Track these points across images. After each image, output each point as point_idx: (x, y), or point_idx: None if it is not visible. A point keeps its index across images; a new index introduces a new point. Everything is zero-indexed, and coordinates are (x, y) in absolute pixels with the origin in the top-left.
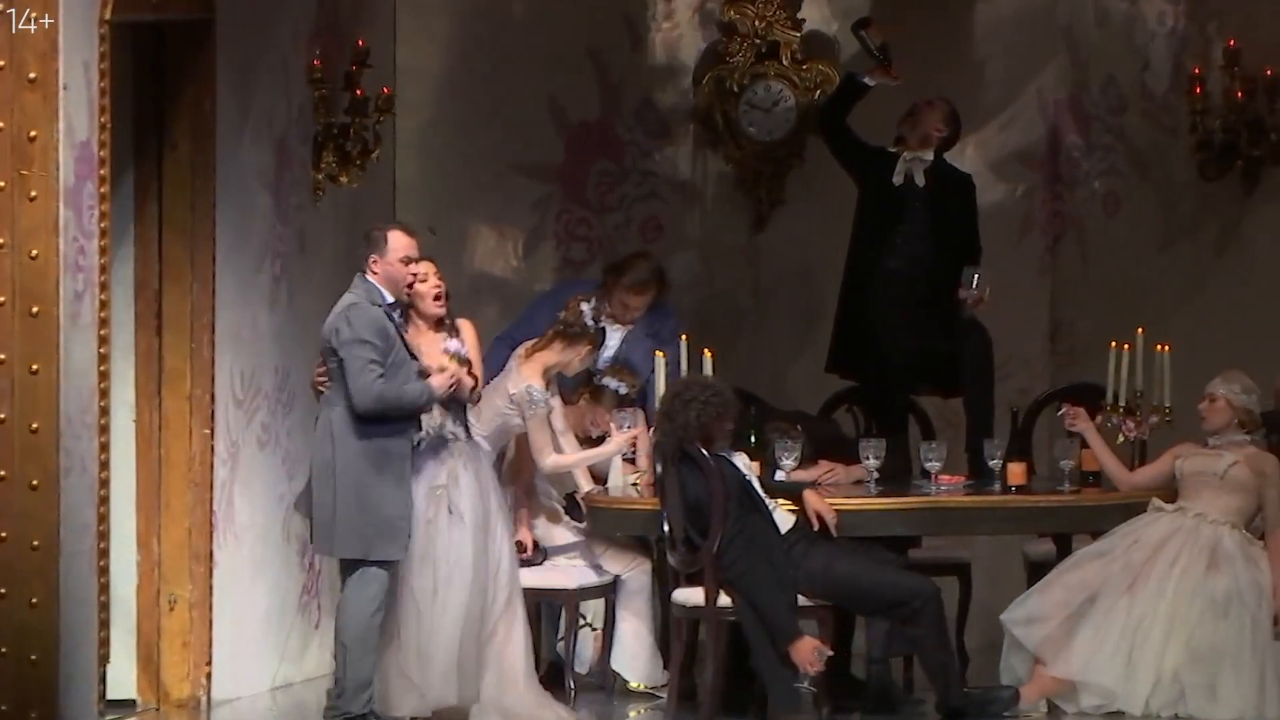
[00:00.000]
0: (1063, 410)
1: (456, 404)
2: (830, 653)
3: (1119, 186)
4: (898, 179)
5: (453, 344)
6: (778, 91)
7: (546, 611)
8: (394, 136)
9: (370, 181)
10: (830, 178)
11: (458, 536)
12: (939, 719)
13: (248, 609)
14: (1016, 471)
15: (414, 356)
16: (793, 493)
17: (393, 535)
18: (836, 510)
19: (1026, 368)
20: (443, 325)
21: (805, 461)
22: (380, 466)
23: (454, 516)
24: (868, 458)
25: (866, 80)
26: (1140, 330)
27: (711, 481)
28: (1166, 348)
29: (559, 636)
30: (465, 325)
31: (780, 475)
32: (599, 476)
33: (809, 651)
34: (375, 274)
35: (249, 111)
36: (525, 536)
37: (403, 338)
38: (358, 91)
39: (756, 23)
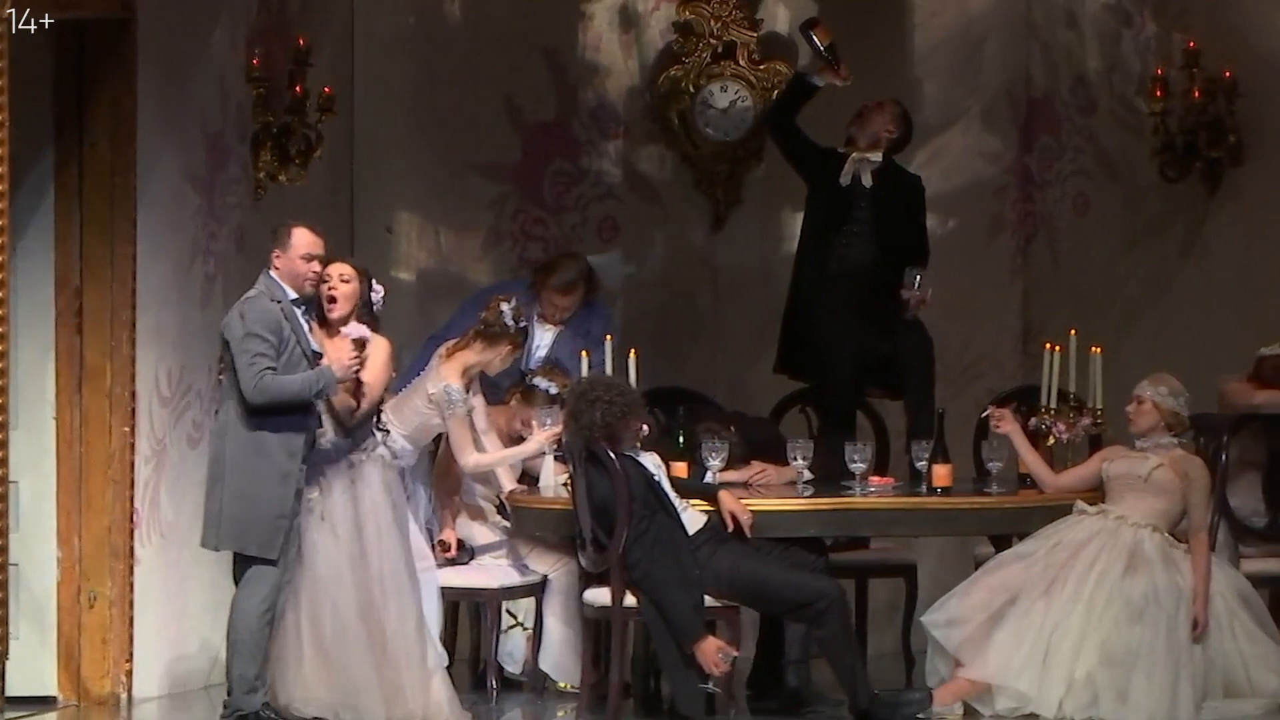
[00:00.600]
0: (988, 412)
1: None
2: (735, 654)
3: (1088, 187)
4: (844, 180)
5: (354, 328)
6: (734, 92)
7: (483, 611)
8: (352, 136)
9: (324, 181)
10: (788, 178)
11: (329, 547)
12: None
13: (175, 608)
14: (941, 473)
15: (318, 355)
16: (708, 494)
17: (271, 534)
18: (752, 511)
19: (998, 369)
20: (338, 330)
21: (739, 462)
22: (265, 463)
23: (325, 527)
24: (795, 458)
25: (815, 81)
26: (1073, 332)
27: (616, 482)
28: (1098, 349)
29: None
30: (380, 343)
31: (710, 476)
32: (535, 476)
33: (712, 652)
34: (278, 269)
35: (177, 109)
36: (449, 536)
37: (300, 335)
38: (297, 90)
39: (713, 23)
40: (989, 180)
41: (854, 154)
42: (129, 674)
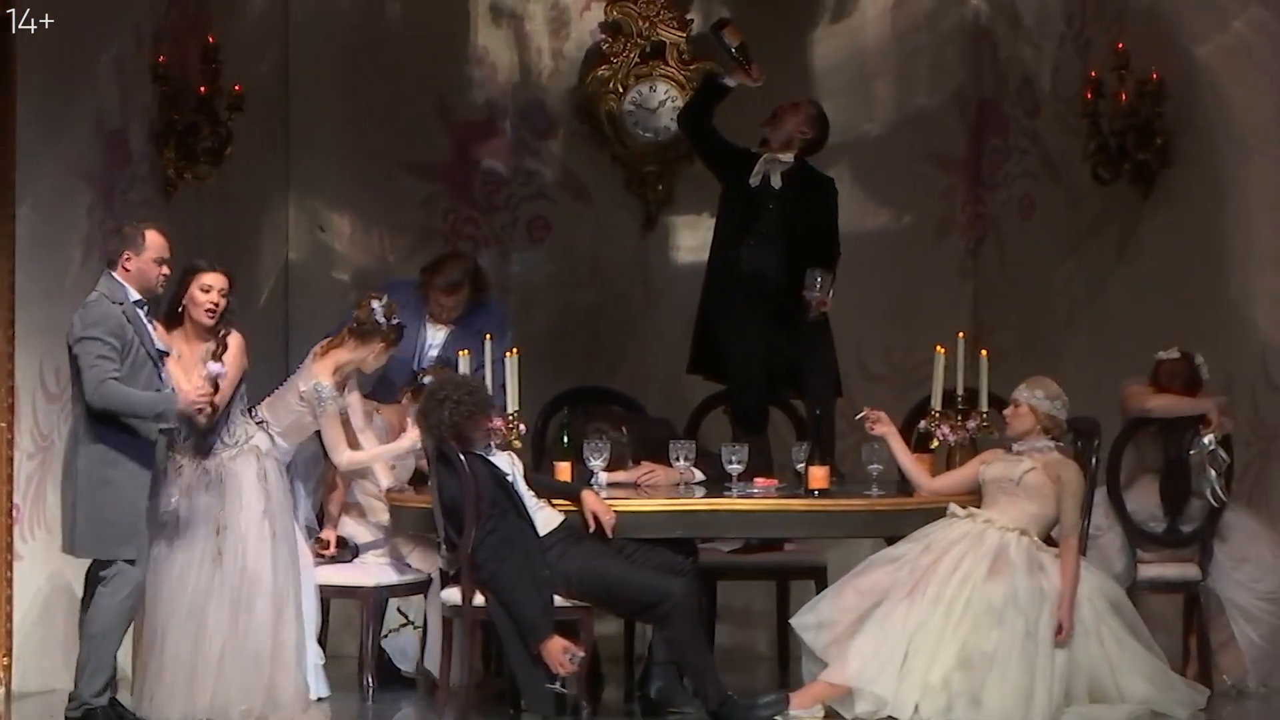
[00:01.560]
0: (863, 413)
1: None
2: (582, 654)
3: (1034, 190)
4: (754, 180)
5: (214, 367)
6: (664, 92)
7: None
8: (287, 136)
9: (254, 179)
10: None
11: (181, 557)
12: None
13: (61, 603)
14: (818, 475)
15: (163, 354)
16: (570, 494)
17: (127, 537)
18: (615, 512)
19: (945, 370)
20: (211, 336)
21: (625, 462)
22: (118, 468)
23: (190, 527)
24: (678, 459)
25: (726, 81)
26: (961, 335)
27: (464, 482)
28: (985, 352)
29: (383, 634)
30: (234, 339)
31: (600, 478)
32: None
33: (558, 652)
34: (127, 271)
35: (64, 107)
36: (329, 534)
37: (144, 337)
38: (201, 89)
39: (641, 23)
40: (937, 182)
41: (766, 155)
42: (8, 669)
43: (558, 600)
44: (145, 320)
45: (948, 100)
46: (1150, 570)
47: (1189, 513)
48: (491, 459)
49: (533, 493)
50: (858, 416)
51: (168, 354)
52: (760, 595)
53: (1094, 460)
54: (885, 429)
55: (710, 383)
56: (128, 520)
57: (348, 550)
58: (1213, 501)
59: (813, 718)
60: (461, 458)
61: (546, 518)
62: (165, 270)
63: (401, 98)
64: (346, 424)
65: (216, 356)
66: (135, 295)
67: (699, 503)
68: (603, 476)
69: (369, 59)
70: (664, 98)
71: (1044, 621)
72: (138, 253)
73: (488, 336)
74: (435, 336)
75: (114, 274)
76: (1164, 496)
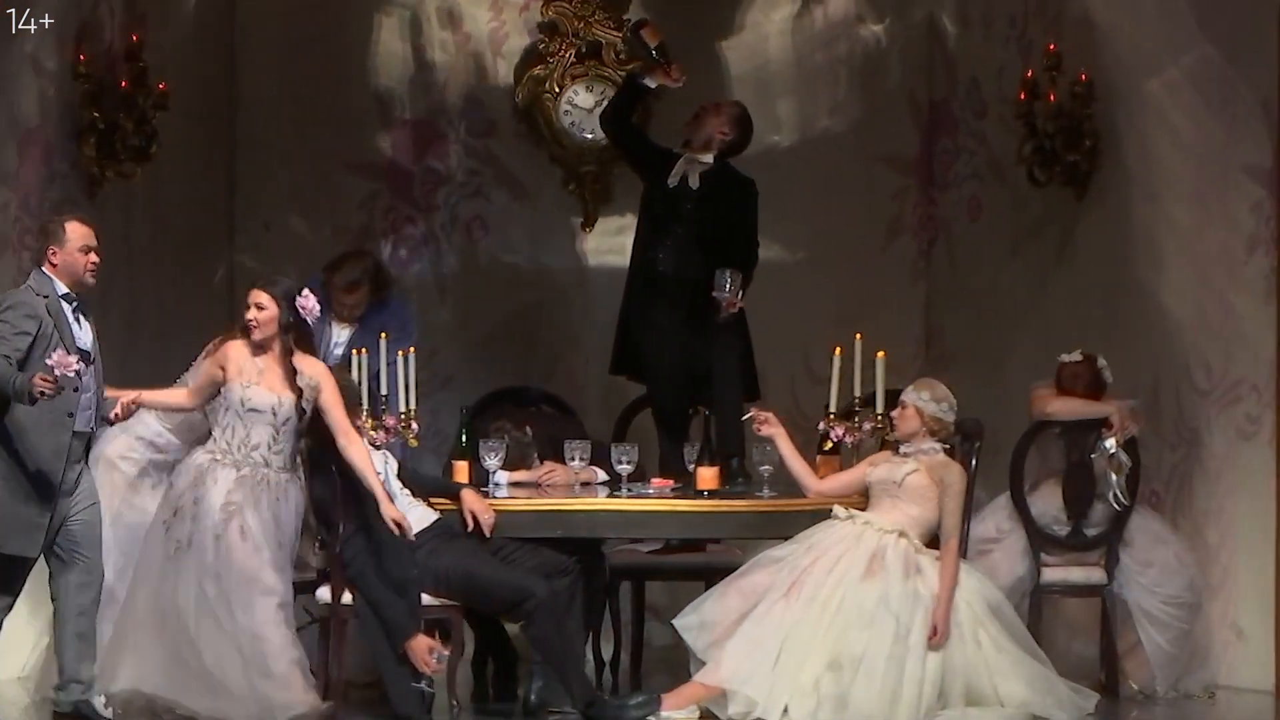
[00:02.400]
0: (750, 414)
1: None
2: (446, 653)
3: (980, 191)
4: (672, 181)
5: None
6: (599, 92)
7: None
8: (233, 134)
9: (198, 178)
10: None
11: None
12: None
13: None
14: (707, 476)
15: (83, 353)
16: (450, 492)
17: (27, 533)
18: (495, 511)
19: (894, 372)
20: (262, 351)
21: (528, 461)
22: (17, 464)
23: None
24: (574, 459)
25: (646, 82)
26: (859, 336)
27: (331, 481)
28: (883, 354)
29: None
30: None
31: (500, 476)
32: None
33: (423, 651)
34: (54, 265)
35: None
36: None
37: (65, 330)
38: (123, 84)
39: (577, 23)
40: (891, 183)
41: (686, 155)
42: None
43: (427, 599)
44: (72, 315)
45: (901, 101)
46: (1054, 574)
47: (1093, 516)
48: None
49: (409, 491)
50: (744, 417)
51: (88, 353)
52: (689, 595)
53: (974, 462)
54: (773, 430)
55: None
56: (30, 518)
57: None
58: (1115, 505)
59: (688, 718)
60: (328, 456)
61: (421, 515)
62: (93, 258)
63: (344, 97)
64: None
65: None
66: (63, 289)
67: (574, 502)
68: (503, 475)
69: (313, 58)
70: (600, 98)
71: (917, 624)
72: (61, 245)
73: (383, 335)
74: (340, 335)
75: (43, 269)
76: (1067, 500)
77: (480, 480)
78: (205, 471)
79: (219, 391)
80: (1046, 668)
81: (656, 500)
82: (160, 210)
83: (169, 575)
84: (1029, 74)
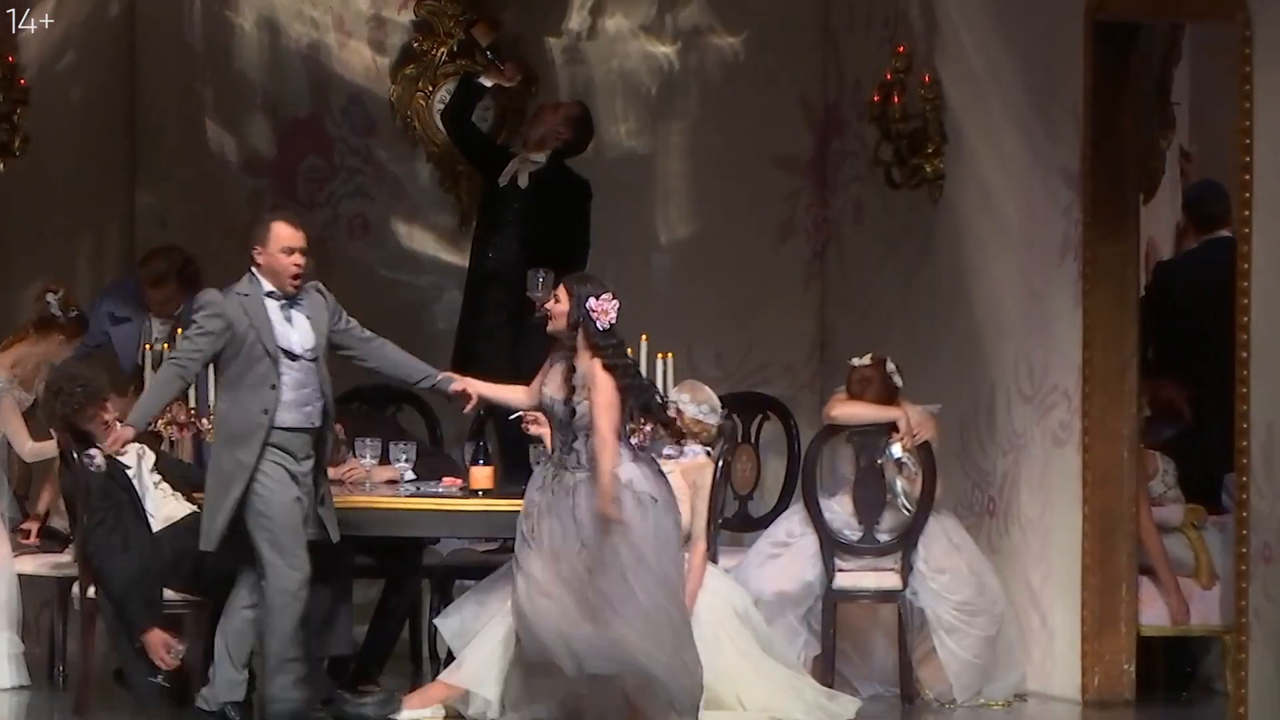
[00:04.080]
0: (518, 413)
1: None
2: (181, 648)
3: (862, 193)
4: (503, 180)
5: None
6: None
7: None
8: (133, 130)
9: (97, 175)
10: None
11: None
12: None
13: None
14: (480, 476)
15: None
16: None
17: None
18: None
19: (788, 374)
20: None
21: (337, 458)
22: None
23: None
24: (365, 457)
25: (482, 81)
26: (644, 336)
27: (75, 474)
28: (668, 355)
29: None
30: None
31: None
32: None
33: (159, 645)
34: (259, 265)
35: None
36: (30, 523)
37: (264, 333)
38: None
39: (449, 22)
40: (781, 185)
41: (520, 155)
42: None
43: (170, 594)
44: (280, 315)
45: (795, 103)
46: (846, 579)
47: (887, 522)
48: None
49: (169, 484)
50: (511, 416)
51: (293, 352)
52: None
53: (720, 463)
54: (541, 430)
55: None
56: None
57: (56, 540)
58: (902, 511)
59: (434, 717)
60: (72, 449)
61: (174, 509)
62: (297, 260)
63: (234, 94)
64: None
65: None
66: (269, 288)
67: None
68: None
69: (203, 55)
70: None
71: None
72: (265, 245)
73: (179, 331)
74: (159, 330)
75: (253, 269)
76: (857, 505)
77: None
78: None
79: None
80: (797, 674)
81: (422, 499)
82: (46, 207)
83: None
84: (888, 76)
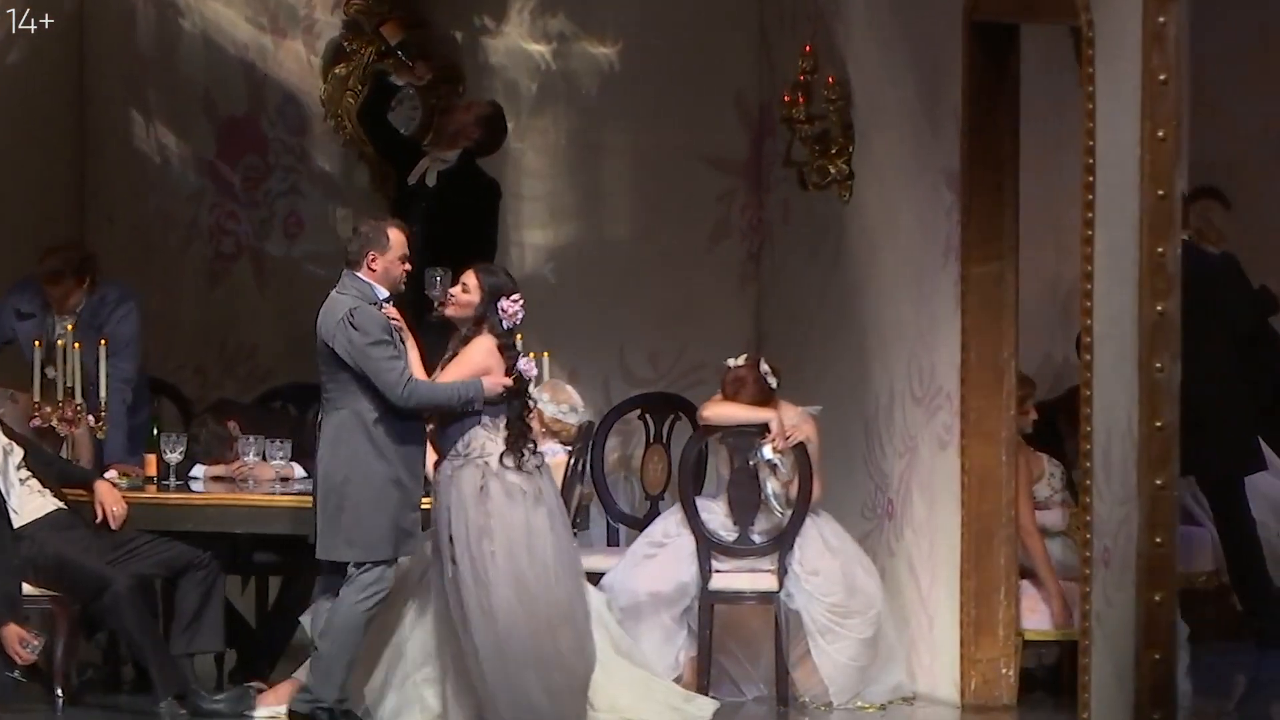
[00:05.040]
0: None
1: None
2: (37, 643)
3: (790, 194)
4: (412, 179)
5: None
6: (406, 90)
7: None
8: (82, 127)
9: (41, 172)
10: None
11: None
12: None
13: None
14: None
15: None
16: (86, 482)
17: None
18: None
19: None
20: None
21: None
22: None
23: None
24: (248, 455)
25: (394, 80)
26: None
27: None
28: (546, 354)
29: None
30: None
31: (198, 470)
32: None
33: (13, 640)
34: (374, 271)
35: None
36: None
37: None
38: None
39: (375, 21)
40: (714, 184)
41: (433, 153)
42: None
43: (30, 589)
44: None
45: (729, 102)
46: (722, 580)
47: (762, 523)
48: None
49: (37, 479)
50: None
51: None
52: None
53: (573, 462)
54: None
55: None
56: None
57: None
58: (776, 513)
59: (281, 715)
60: None
61: (40, 505)
62: (406, 267)
63: (176, 92)
64: None
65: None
66: (384, 293)
67: (175, 497)
68: (200, 469)
69: (147, 53)
70: (403, 97)
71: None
72: (382, 251)
73: (69, 326)
74: (62, 325)
75: (358, 274)
76: (731, 506)
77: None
78: None
79: None
80: (650, 675)
81: (283, 497)
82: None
83: None
84: (801, 77)
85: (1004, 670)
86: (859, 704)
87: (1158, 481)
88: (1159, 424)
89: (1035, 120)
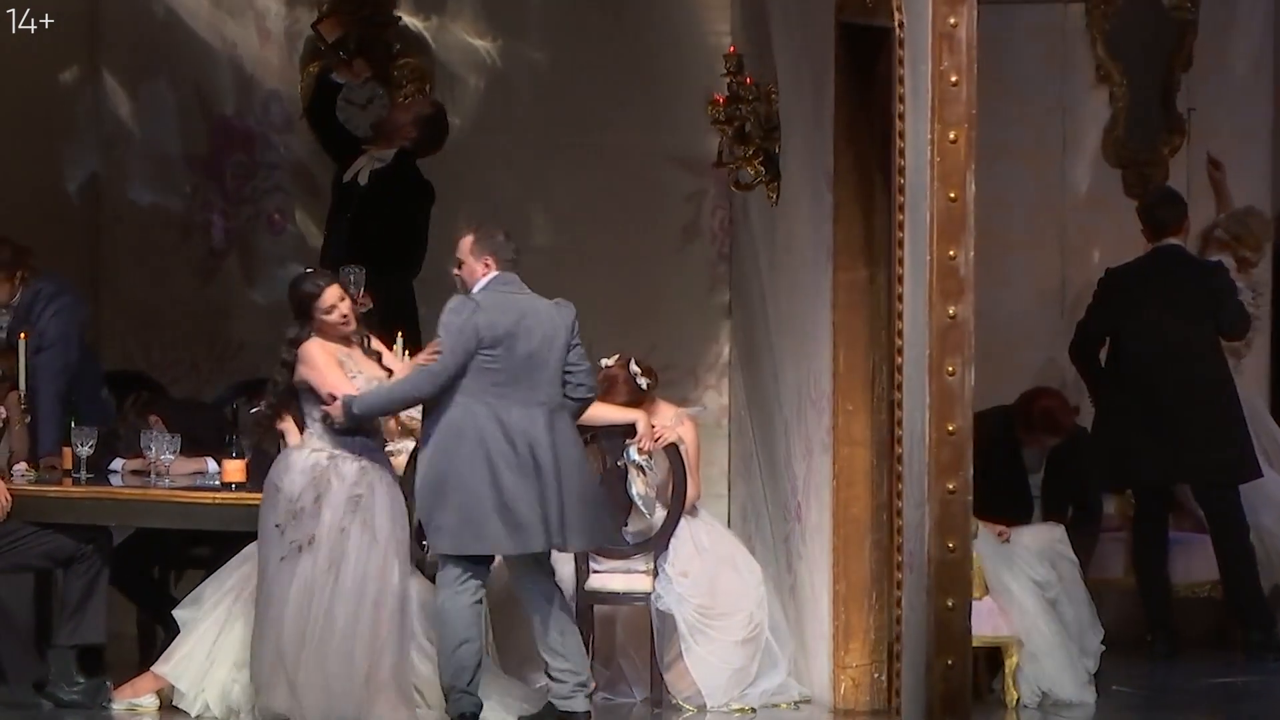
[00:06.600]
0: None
1: None
2: None
3: (749, 196)
4: (347, 176)
5: None
6: (370, 89)
7: None
8: (99, 126)
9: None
10: (438, 172)
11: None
12: None
13: None
14: (232, 469)
15: None
16: None
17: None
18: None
19: (691, 377)
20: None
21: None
22: None
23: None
24: (149, 449)
25: (334, 77)
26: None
27: None
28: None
29: None
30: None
31: (117, 464)
32: None
33: None
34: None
35: None
36: None
37: None
38: None
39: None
40: (683, 185)
41: (370, 152)
42: None
43: None
44: None
45: (699, 102)
46: (597, 581)
47: (636, 524)
48: None
49: None
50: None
51: None
52: None
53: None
54: (285, 426)
55: None
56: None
57: None
58: (644, 514)
59: (150, 707)
60: None
61: None
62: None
63: (172, 91)
64: None
65: None
66: None
67: (79, 490)
68: (119, 463)
69: (140, 50)
70: (372, 94)
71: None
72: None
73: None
74: (2, 319)
75: None
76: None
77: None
78: None
79: None
80: (494, 667)
81: (170, 491)
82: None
83: None
84: (726, 78)
85: (876, 675)
86: (735, 706)
87: (949, 486)
88: (950, 429)
89: (1036, 120)
